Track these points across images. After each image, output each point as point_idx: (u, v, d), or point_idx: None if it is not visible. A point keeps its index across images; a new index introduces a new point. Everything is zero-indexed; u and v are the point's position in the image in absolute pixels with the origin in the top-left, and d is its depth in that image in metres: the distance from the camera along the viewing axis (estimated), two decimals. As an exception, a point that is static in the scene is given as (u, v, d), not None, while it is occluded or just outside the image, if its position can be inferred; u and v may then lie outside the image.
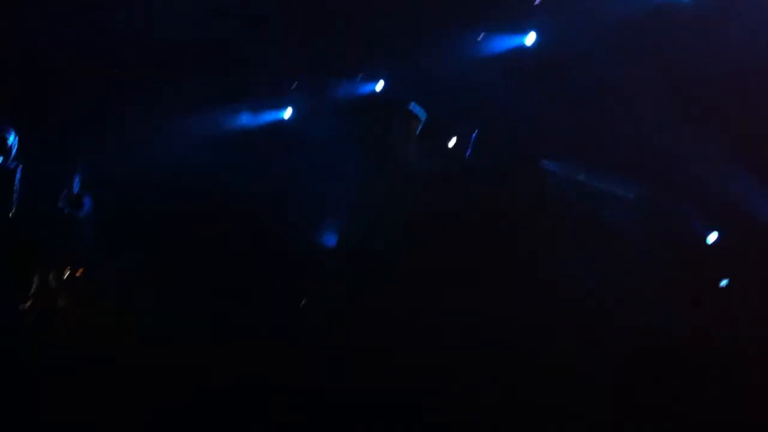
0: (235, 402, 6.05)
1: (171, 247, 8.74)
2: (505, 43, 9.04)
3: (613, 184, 8.13)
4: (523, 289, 7.19)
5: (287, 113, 10.40)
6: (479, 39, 9.25)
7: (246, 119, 10.46)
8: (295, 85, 10.34)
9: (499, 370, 6.45)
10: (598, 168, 8.12)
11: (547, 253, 7.55)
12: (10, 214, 7.58)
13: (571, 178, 8.02)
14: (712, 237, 7.89)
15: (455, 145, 8.64)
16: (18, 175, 7.67)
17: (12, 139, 7.79)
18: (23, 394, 5.88)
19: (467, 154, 8.21)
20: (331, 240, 8.37)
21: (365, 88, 10.02)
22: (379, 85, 9.92)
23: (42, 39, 9.21)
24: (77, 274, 7.77)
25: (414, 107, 8.08)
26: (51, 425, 5.71)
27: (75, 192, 8.24)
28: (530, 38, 8.89)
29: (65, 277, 7.70)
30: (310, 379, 6.25)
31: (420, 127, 8.10)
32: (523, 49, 8.88)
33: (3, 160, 7.76)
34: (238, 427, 5.98)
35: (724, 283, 7.45)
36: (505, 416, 6.07)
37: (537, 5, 8.70)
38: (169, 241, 8.86)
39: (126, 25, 9.54)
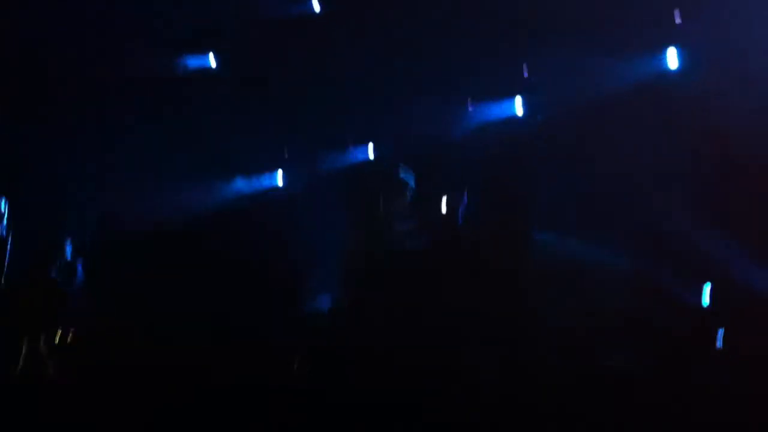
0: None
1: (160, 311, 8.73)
2: (495, 111, 9.16)
3: (604, 255, 8.17)
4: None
5: (280, 180, 10.46)
6: (470, 107, 9.38)
7: (237, 186, 10.51)
8: (287, 155, 10.42)
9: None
10: (589, 238, 8.17)
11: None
12: (2, 281, 7.56)
13: (561, 249, 8.07)
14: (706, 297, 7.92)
15: (446, 214, 8.69)
16: (9, 243, 7.66)
17: (3, 206, 7.80)
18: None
19: (459, 222, 8.25)
20: (323, 304, 8.37)
21: (355, 156, 10.09)
22: (369, 153, 9.99)
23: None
24: (68, 339, 7.74)
25: (404, 173, 8.12)
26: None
27: (67, 260, 8.24)
28: (519, 107, 9.02)
29: (56, 341, 7.67)
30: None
31: (409, 195, 8.14)
32: (514, 117, 9.00)
33: None
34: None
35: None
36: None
37: (528, 78, 8.85)
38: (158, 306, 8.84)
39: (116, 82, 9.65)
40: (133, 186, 9.84)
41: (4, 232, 7.77)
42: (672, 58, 8.18)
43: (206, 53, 9.93)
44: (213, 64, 9.96)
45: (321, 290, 8.50)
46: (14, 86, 9.26)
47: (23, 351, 7.43)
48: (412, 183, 8.12)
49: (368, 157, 9.95)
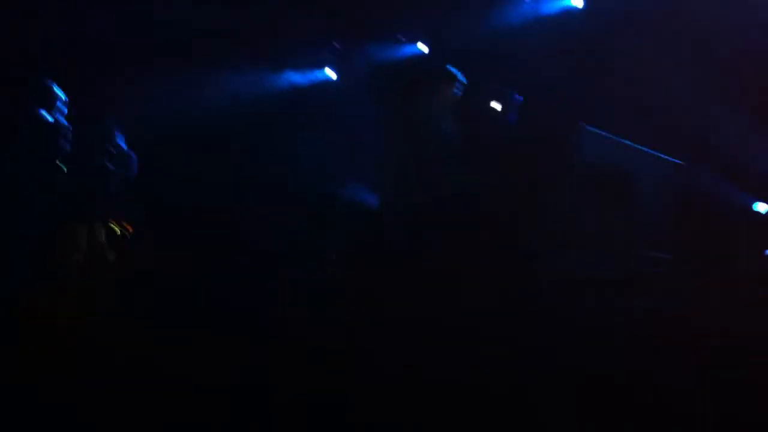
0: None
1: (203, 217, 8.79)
2: (551, 6, 9.00)
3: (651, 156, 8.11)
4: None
5: (328, 73, 10.41)
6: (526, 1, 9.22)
7: (284, 79, 10.48)
8: (331, 47, 10.35)
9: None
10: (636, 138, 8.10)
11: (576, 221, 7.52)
12: (57, 162, 7.59)
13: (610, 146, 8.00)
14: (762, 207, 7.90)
15: (498, 111, 8.61)
16: (70, 129, 7.70)
17: (55, 90, 7.83)
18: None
19: (512, 119, 8.19)
20: (371, 199, 8.37)
21: (403, 52, 10.01)
22: (418, 49, 9.91)
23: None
24: (125, 230, 7.83)
25: (452, 70, 8.04)
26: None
27: (122, 150, 8.28)
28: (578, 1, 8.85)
29: (112, 231, 7.76)
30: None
31: (460, 91, 8.07)
32: (570, 12, 8.84)
33: (51, 113, 7.80)
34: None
35: None
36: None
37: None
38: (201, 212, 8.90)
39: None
40: (180, 77, 9.83)
41: (56, 116, 7.80)
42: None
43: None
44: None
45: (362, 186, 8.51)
46: None
47: (82, 241, 7.52)
48: (461, 77, 8.02)
49: (419, 52, 9.88)
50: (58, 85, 7.90)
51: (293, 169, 9.54)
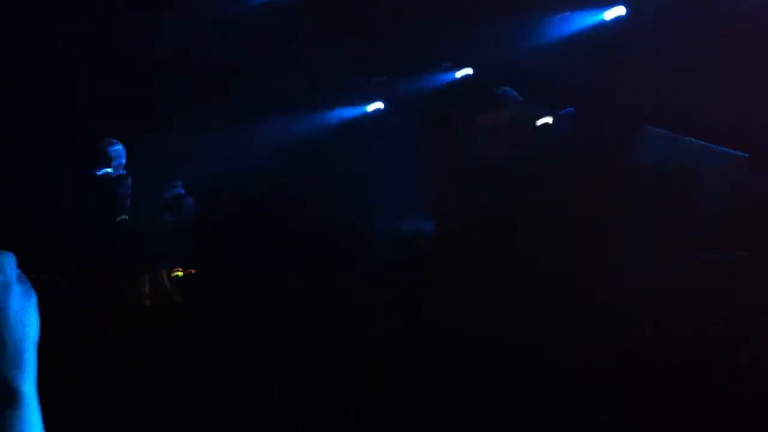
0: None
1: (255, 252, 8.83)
2: (585, 20, 9.01)
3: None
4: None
5: (371, 107, 10.48)
6: (559, 18, 9.23)
7: (329, 116, 10.57)
8: (376, 80, 10.42)
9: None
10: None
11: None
12: (118, 219, 7.74)
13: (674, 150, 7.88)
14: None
15: (547, 126, 8.58)
16: (129, 183, 7.85)
17: (119, 148, 7.99)
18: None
19: (565, 131, 8.14)
20: (426, 227, 8.35)
21: (447, 77, 10.05)
22: (462, 73, 9.95)
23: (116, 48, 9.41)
24: (186, 273, 7.90)
25: (508, 90, 8.05)
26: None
27: (177, 197, 8.38)
28: (611, 13, 8.86)
29: (175, 276, 7.84)
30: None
31: (513, 111, 8.06)
32: (604, 24, 8.86)
33: (106, 169, 7.95)
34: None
35: None
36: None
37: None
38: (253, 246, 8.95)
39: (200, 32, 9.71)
40: (229, 126, 9.97)
41: (118, 173, 7.96)
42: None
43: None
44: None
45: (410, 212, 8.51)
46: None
47: (148, 286, 7.61)
48: (514, 95, 8.02)
49: (462, 76, 9.91)
50: (117, 138, 8.06)
51: (358, 207, 9.56)
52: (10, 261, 1.41)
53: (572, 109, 8.16)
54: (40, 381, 1.52)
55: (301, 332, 6.84)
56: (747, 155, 7.57)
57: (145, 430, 5.78)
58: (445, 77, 10.02)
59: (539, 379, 5.96)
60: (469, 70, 9.96)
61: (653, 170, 7.50)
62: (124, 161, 7.99)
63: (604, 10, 9.01)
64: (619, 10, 8.85)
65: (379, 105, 10.57)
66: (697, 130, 7.73)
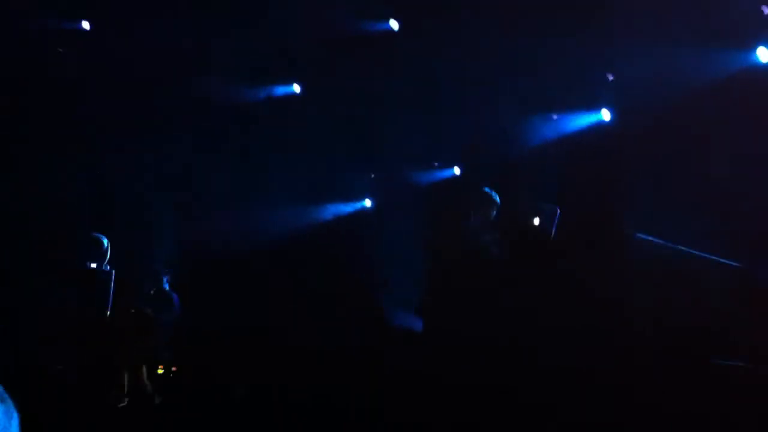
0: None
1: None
2: (580, 121, 9.06)
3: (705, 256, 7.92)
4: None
5: (367, 202, 10.52)
6: (554, 119, 9.29)
7: (326, 210, 10.59)
8: (373, 177, 10.48)
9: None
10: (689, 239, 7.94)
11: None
12: (108, 313, 7.71)
13: (662, 251, 7.84)
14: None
15: (537, 226, 8.56)
16: (112, 278, 7.83)
17: (107, 244, 7.99)
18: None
19: (552, 233, 8.12)
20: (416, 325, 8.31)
21: (441, 175, 10.10)
22: (455, 171, 10.02)
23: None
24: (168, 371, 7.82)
25: (488, 189, 8.09)
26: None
27: (162, 293, 8.34)
28: (606, 115, 8.92)
29: (158, 374, 7.75)
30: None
31: (495, 208, 8.08)
32: (599, 125, 8.89)
33: (98, 265, 7.94)
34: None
35: None
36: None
37: (610, 81, 8.72)
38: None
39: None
40: (226, 214, 9.99)
41: (108, 268, 7.95)
42: (763, 54, 7.96)
43: (289, 80, 10.06)
44: (297, 89, 10.08)
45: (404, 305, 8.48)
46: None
47: (127, 383, 7.52)
48: (496, 197, 8.08)
49: (454, 174, 9.96)
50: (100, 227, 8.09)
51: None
52: None
53: (557, 208, 8.16)
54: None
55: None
56: (738, 265, 7.55)
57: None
58: (435, 176, 10.08)
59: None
60: (456, 170, 10.01)
61: (648, 276, 7.49)
62: (108, 256, 7.99)
63: (592, 114, 9.05)
64: (605, 115, 8.89)
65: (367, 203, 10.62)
66: (686, 237, 7.74)
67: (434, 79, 9.24)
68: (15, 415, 1.41)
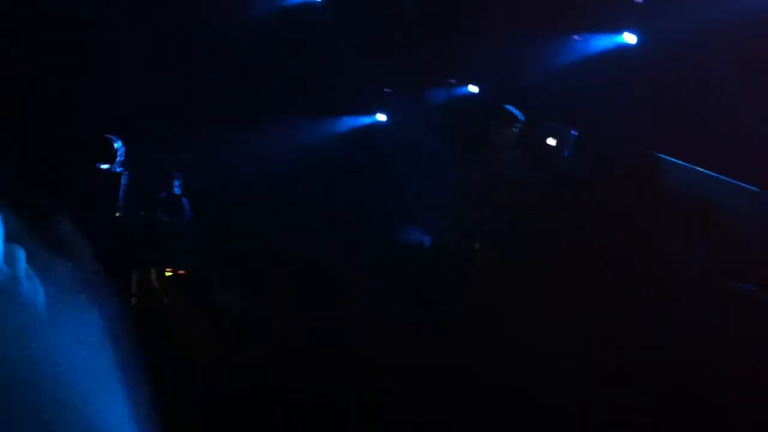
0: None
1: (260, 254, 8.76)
2: (603, 43, 8.91)
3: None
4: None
5: (381, 118, 10.42)
6: (577, 39, 9.14)
7: (340, 125, 10.51)
8: (388, 92, 10.37)
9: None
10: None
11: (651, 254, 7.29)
12: (117, 215, 7.70)
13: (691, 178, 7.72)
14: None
15: (554, 147, 8.49)
16: (123, 181, 7.80)
17: (118, 146, 7.95)
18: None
19: (566, 154, 8.05)
20: (423, 240, 8.28)
21: (459, 93, 9.99)
22: (473, 89, 9.89)
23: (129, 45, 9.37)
24: (178, 275, 7.81)
25: (511, 109, 8.00)
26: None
27: (173, 198, 8.30)
28: (630, 38, 8.76)
29: (167, 277, 7.75)
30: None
31: (518, 128, 7.99)
32: (622, 48, 8.74)
33: (109, 166, 7.92)
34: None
35: None
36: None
37: (637, 4, 8.54)
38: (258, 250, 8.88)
39: (214, 32, 9.68)
40: (238, 130, 9.92)
41: (119, 170, 7.93)
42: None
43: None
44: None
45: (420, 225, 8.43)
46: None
47: (135, 286, 7.53)
48: (518, 114, 8.01)
49: (473, 93, 9.84)
50: (120, 134, 8.03)
51: (357, 214, 9.49)
52: (20, 255, 1.32)
53: (574, 131, 8.07)
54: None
55: (301, 332, 6.83)
56: (759, 190, 7.45)
57: (144, 430, 5.72)
58: (455, 93, 9.96)
59: (539, 379, 5.95)
60: (474, 88, 9.88)
61: (675, 200, 7.38)
62: (122, 159, 7.95)
63: (618, 35, 8.90)
64: (630, 38, 8.73)
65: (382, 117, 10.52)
66: (708, 161, 7.63)
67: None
68: (40, 292, 1.34)
